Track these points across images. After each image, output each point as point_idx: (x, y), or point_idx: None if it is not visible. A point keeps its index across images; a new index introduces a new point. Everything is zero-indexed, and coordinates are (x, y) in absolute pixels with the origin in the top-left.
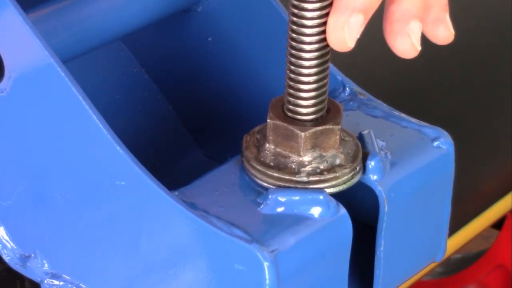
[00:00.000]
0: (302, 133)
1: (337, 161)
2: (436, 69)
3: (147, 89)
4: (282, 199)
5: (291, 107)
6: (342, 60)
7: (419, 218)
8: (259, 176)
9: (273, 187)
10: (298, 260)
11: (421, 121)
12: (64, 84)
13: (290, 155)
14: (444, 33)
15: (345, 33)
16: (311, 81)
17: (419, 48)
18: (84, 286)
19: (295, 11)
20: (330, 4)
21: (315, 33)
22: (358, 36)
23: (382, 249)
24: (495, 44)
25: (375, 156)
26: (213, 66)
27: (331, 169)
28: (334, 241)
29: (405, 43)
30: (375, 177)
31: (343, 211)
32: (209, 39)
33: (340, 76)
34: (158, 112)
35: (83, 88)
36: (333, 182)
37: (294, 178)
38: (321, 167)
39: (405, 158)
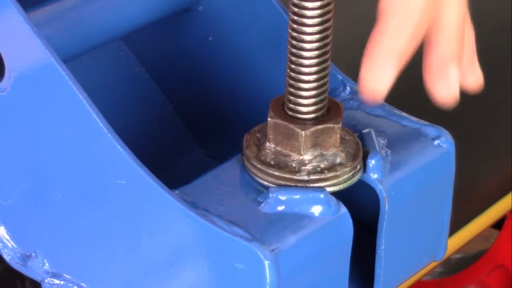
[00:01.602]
0: (303, 132)
1: (338, 160)
2: None
3: (148, 89)
4: (282, 197)
5: (291, 106)
6: (342, 59)
7: (420, 217)
8: (260, 175)
9: (274, 185)
10: (299, 258)
11: (422, 120)
12: (65, 83)
13: (291, 153)
14: (473, 81)
15: (376, 81)
16: (312, 80)
17: (457, 93)
18: (84, 285)
19: (296, 10)
20: (331, 3)
21: (315, 32)
22: (391, 84)
23: (382, 248)
24: (495, 44)
25: (375, 155)
26: (214, 65)
27: (332, 167)
28: (335, 240)
29: (444, 89)
30: (375, 176)
31: (343, 209)
32: (210, 38)
33: (340, 75)
34: (158, 111)
35: (84, 88)
36: (334, 181)
37: (294, 177)
38: (322, 165)
39: (406, 157)
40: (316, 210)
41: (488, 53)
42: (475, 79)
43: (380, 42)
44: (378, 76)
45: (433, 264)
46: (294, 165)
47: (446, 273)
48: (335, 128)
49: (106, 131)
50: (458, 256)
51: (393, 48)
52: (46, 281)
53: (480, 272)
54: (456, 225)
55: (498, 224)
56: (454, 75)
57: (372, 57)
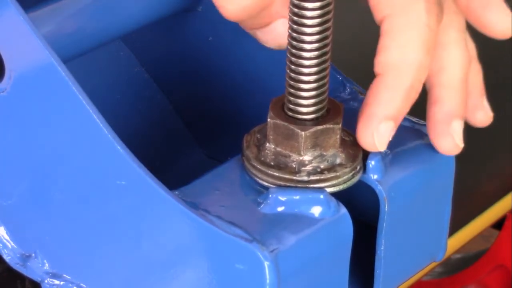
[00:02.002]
0: (303, 133)
1: (338, 161)
2: None
3: (148, 89)
4: (282, 198)
5: (291, 106)
6: (342, 59)
7: (420, 217)
8: (260, 175)
9: (274, 186)
10: (299, 259)
11: (422, 120)
12: (65, 83)
13: (291, 154)
14: (482, 117)
15: (375, 140)
16: (312, 80)
17: (462, 145)
18: (84, 286)
19: (296, 10)
20: (331, 4)
21: (315, 32)
22: (389, 139)
23: (382, 248)
24: (495, 44)
25: (375, 156)
26: (214, 65)
27: (332, 168)
28: (335, 241)
29: (448, 144)
30: (375, 177)
31: (343, 210)
32: (210, 38)
33: (340, 75)
34: (158, 112)
35: (84, 88)
36: (334, 182)
37: (294, 178)
38: (322, 166)
39: (406, 157)
40: (316, 210)
41: (488, 53)
42: (483, 115)
43: (375, 100)
44: (375, 136)
45: (433, 264)
46: (294, 165)
47: (446, 273)
48: (335, 128)
49: (105, 132)
50: (458, 256)
51: (389, 108)
52: (46, 281)
53: (480, 272)
54: (456, 225)
55: (498, 224)
56: (458, 129)
57: (368, 117)
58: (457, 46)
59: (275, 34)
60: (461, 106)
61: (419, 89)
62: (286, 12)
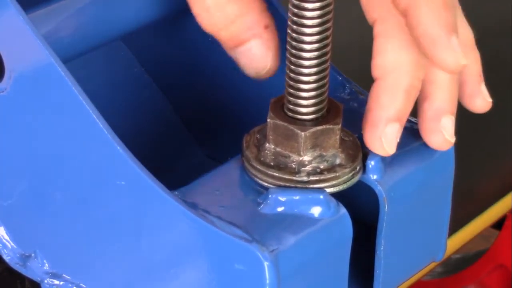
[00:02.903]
0: (302, 133)
1: (337, 161)
2: None
3: (148, 89)
4: (282, 198)
5: (291, 106)
6: (342, 59)
7: (419, 217)
8: (259, 175)
9: (273, 186)
10: (298, 259)
11: None
12: (65, 83)
13: (290, 154)
14: (481, 103)
15: (383, 144)
16: (311, 80)
17: (452, 141)
18: (84, 286)
19: (296, 10)
20: (331, 4)
21: (315, 32)
22: (397, 141)
23: (382, 248)
24: (495, 44)
25: (375, 156)
26: (214, 66)
27: (331, 168)
28: (334, 241)
29: (438, 140)
30: (375, 177)
31: (343, 210)
32: (210, 39)
33: (340, 75)
34: (158, 112)
35: (83, 88)
36: (333, 182)
37: (294, 178)
38: (321, 166)
39: (405, 157)
40: (316, 211)
41: (488, 53)
42: (481, 101)
43: (377, 105)
44: (383, 141)
45: (433, 264)
46: (293, 166)
47: (446, 273)
48: (335, 129)
49: (105, 132)
50: (458, 256)
51: (392, 110)
52: (46, 281)
53: (480, 272)
54: (456, 225)
55: (498, 224)
56: (448, 125)
57: (372, 123)
58: None
59: (251, 57)
60: (451, 102)
61: (419, 87)
62: (260, 31)
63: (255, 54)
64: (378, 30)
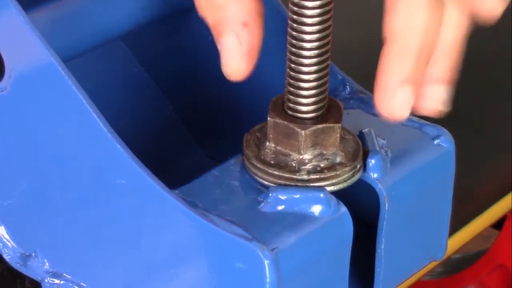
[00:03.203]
0: (303, 131)
1: (338, 159)
2: None
3: (147, 89)
4: (282, 197)
5: (291, 105)
6: (342, 58)
7: (420, 216)
8: (260, 174)
9: (274, 185)
10: (299, 258)
11: (422, 119)
12: (65, 83)
13: (291, 153)
14: (428, 107)
15: (395, 109)
16: (312, 79)
17: (443, 109)
18: (84, 285)
19: (296, 9)
20: (331, 3)
21: (315, 31)
22: (410, 105)
23: (382, 247)
24: (495, 44)
25: (375, 154)
26: (214, 65)
27: (332, 167)
28: (335, 239)
29: (426, 106)
30: (375, 175)
31: (343, 209)
32: (210, 38)
33: (340, 74)
34: (158, 111)
35: (83, 87)
36: (334, 180)
37: (294, 176)
38: (322, 165)
39: (406, 156)
40: (316, 209)
41: (488, 53)
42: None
43: (387, 68)
44: (394, 104)
45: (433, 264)
46: (294, 164)
47: (446, 273)
48: (335, 127)
49: (106, 131)
50: (458, 256)
51: (402, 73)
52: (46, 280)
53: (480, 272)
54: (456, 225)
55: (498, 224)
56: (438, 95)
57: (382, 87)
58: (456, 21)
59: (226, 54)
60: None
61: (433, 47)
62: (236, 28)
63: (230, 49)
64: None
